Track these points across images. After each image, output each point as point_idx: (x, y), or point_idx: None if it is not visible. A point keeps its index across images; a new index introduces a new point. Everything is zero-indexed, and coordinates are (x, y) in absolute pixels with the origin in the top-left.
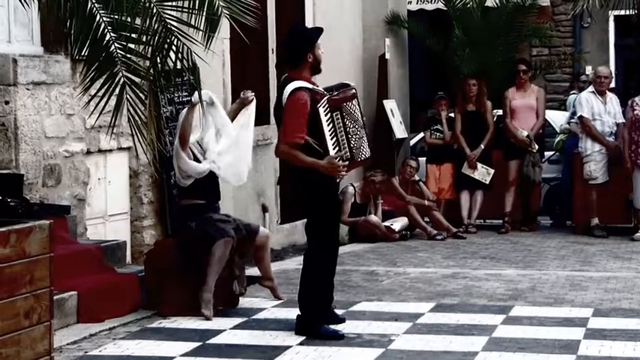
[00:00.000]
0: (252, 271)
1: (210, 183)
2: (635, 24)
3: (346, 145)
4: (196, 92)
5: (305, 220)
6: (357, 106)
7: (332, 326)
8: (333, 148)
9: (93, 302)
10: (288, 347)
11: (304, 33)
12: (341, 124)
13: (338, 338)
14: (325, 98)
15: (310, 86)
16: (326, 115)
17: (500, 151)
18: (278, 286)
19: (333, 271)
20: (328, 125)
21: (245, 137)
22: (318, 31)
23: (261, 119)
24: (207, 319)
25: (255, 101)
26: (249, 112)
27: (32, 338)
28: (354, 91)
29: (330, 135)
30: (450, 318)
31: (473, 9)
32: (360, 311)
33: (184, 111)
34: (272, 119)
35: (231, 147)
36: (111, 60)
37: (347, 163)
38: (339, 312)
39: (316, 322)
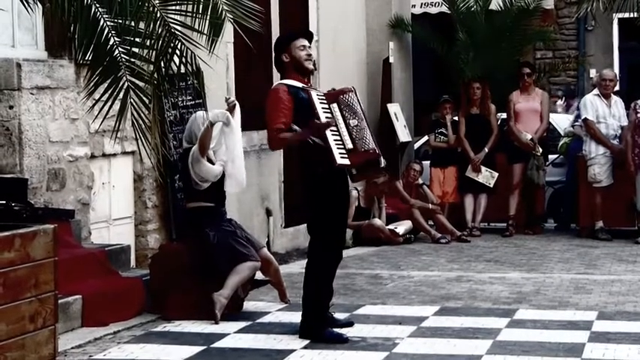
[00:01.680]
0: (258, 275)
1: (218, 186)
2: (639, 27)
3: (347, 135)
4: (214, 111)
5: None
6: (356, 101)
7: (336, 330)
8: (332, 136)
9: (97, 306)
10: (293, 351)
11: (279, 37)
12: (339, 115)
13: (342, 342)
14: (317, 90)
15: (298, 84)
16: (321, 103)
17: (505, 155)
18: (286, 289)
19: (333, 274)
20: (325, 113)
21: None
22: (293, 32)
23: (265, 123)
24: (215, 321)
25: (238, 106)
26: (235, 117)
27: (37, 342)
28: (350, 87)
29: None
30: (454, 321)
31: (477, 12)
32: (364, 315)
33: (194, 117)
34: None
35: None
36: (115, 64)
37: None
38: (343, 315)
39: (320, 325)
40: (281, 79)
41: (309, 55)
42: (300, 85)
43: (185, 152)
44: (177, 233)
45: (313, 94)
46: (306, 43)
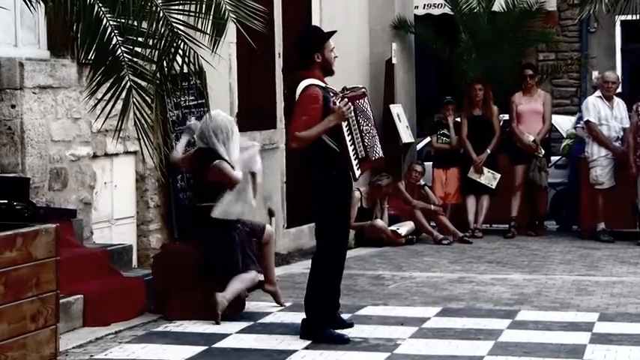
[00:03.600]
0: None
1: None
2: None
3: (361, 142)
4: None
5: (314, 224)
6: (368, 104)
7: (338, 330)
8: (350, 144)
9: (99, 306)
10: (294, 351)
11: (312, 34)
12: (355, 122)
13: (344, 342)
14: (340, 95)
15: (322, 84)
16: None
17: (507, 156)
18: (280, 291)
19: (340, 277)
20: (345, 121)
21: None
22: (327, 33)
23: (267, 123)
24: (217, 322)
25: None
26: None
27: (38, 342)
28: (363, 90)
29: (347, 131)
30: (455, 322)
31: (479, 13)
32: (366, 315)
33: (206, 117)
34: (278, 123)
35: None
36: (117, 64)
37: (351, 108)
38: (345, 316)
39: (322, 326)
40: (303, 74)
41: (336, 57)
42: (323, 84)
43: (201, 152)
44: (180, 233)
45: (337, 100)
46: (334, 44)
